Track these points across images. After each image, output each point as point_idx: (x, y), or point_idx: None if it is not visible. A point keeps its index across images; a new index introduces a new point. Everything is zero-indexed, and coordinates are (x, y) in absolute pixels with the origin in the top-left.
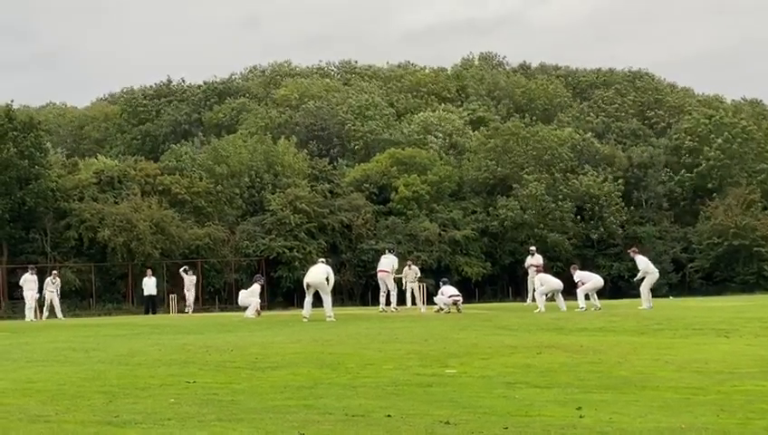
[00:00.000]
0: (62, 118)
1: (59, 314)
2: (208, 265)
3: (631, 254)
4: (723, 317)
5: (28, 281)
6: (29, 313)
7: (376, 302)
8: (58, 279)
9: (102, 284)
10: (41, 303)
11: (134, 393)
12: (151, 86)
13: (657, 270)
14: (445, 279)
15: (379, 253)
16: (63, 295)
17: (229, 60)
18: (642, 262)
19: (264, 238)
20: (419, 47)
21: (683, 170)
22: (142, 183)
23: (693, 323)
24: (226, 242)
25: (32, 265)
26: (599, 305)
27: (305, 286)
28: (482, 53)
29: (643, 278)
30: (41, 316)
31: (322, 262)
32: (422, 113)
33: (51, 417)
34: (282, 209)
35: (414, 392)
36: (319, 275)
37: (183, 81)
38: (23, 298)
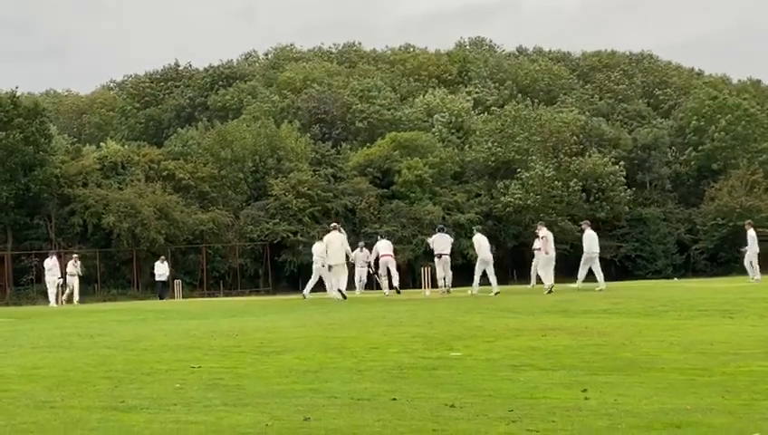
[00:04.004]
0: (63, 105)
1: (77, 298)
2: (212, 251)
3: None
4: (727, 298)
5: (52, 267)
6: (53, 298)
7: (380, 286)
8: (79, 262)
9: (107, 269)
10: (63, 288)
11: (140, 379)
12: (157, 70)
13: (597, 250)
14: (441, 226)
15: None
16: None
17: (228, 50)
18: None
19: (267, 223)
20: (417, 34)
21: (689, 149)
22: (146, 168)
23: (697, 304)
24: (230, 227)
25: (53, 250)
26: (603, 287)
27: (328, 268)
28: (471, 38)
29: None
30: (62, 301)
31: (335, 228)
32: (422, 96)
33: (56, 403)
34: (284, 194)
35: (419, 376)
36: (341, 255)
37: (190, 65)
38: (33, 284)
